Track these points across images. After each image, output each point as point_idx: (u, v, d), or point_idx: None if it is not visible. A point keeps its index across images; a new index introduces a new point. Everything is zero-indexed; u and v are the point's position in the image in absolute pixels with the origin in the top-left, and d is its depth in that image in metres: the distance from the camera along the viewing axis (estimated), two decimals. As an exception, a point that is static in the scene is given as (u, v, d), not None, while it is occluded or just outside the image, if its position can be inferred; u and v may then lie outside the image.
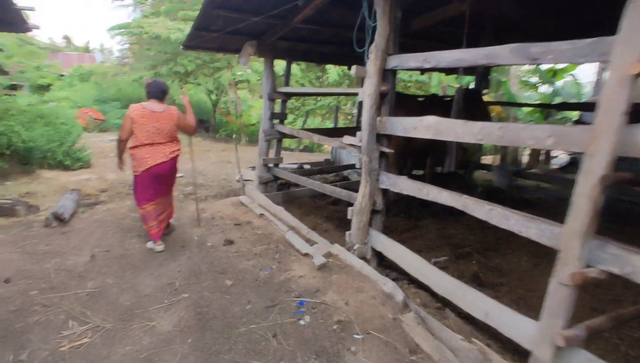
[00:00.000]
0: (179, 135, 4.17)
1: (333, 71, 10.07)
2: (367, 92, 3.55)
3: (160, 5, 10.50)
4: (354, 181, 6.97)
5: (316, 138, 4.86)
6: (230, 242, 4.33)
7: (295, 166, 7.53)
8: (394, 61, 3.39)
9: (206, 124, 18.63)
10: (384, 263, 4.01)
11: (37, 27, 5.50)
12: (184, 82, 10.40)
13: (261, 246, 4.26)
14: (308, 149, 14.87)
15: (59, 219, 4.69)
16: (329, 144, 4.57)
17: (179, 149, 4.10)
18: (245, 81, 10.86)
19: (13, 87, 18.61)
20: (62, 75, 20.38)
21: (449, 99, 5.86)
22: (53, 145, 8.41)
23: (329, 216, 5.59)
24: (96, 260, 3.87)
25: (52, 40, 36.70)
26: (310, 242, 4.25)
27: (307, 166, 7.64)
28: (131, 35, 9.91)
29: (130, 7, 11.27)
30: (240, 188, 6.43)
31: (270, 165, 6.24)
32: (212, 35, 5.01)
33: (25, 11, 4.86)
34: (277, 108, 6.18)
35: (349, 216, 3.96)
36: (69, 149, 8.74)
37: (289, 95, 6.23)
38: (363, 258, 3.84)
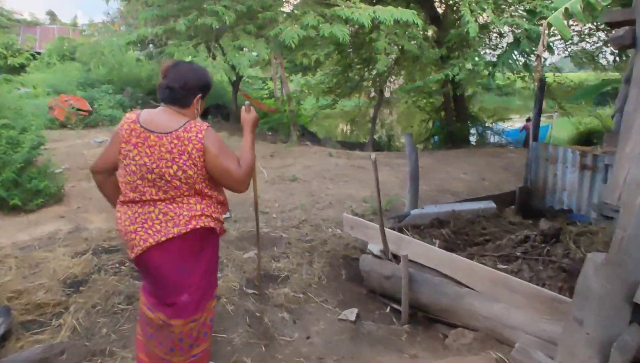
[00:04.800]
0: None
1: None
2: None
3: None
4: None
5: None
6: None
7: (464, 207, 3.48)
8: None
9: (224, 111, 14.64)
10: None
11: None
12: (213, 47, 6.25)
13: None
14: (378, 145, 10.76)
15: None
16: None
17: (209, 216, 1.76)
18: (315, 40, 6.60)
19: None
20: (38, 53, 16.13)
21: None
22: (-18, 172, 4.42)
23: None
24: None
25: (34, 16, 31.93)
26: None
27: (485, 206, 3.63)
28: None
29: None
30: (402, 282, 2.51)
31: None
32: None
33: None
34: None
35: None
36: (17, 176, 4.76)
37: None
38: None
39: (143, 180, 1.70)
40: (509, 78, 12.36)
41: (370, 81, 13.27)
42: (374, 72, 14.00)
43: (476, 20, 5.56)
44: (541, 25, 6.19)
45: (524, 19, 5.63)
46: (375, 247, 3.16)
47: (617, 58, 9.37)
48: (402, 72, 13.45)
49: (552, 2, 6.17)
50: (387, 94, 15.10)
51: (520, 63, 6.10)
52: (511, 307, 2.07)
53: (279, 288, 3.29)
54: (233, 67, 6.65)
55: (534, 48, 5.83)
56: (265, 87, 10.71)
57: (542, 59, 7.78)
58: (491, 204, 3.87)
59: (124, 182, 1.75)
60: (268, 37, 5.52)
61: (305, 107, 11.63)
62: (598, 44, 11.64)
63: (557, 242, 2.69)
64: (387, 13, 5.21)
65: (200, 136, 1.68)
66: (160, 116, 1.73)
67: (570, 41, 11.00)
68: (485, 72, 6.67)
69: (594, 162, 3.63)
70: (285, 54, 6.00)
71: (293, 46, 5.08)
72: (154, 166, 1.66)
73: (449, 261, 2.52)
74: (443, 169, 7.19)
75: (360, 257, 3.53)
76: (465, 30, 5.67)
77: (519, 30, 6.23)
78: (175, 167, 1.67)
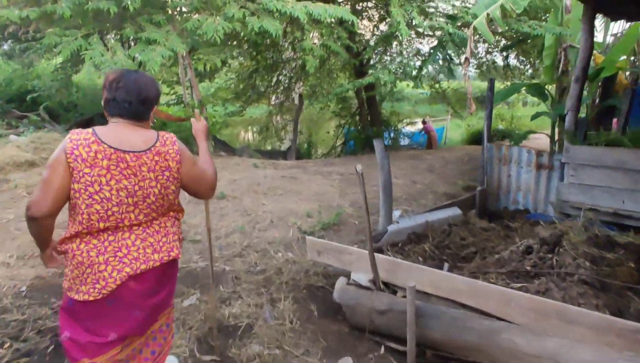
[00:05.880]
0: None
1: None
2: None
3: None
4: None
5: None
6: None
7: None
8: None
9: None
10: None
11: None
12: (112, 39, 4.94)
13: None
14: (298, 152, 10.21)
15: None
16: None
17: (180, 239, 1.75)
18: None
19: None
20: None
21: None
22: None
23: None
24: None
25: None
26: None
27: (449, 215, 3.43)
28: None
29: None
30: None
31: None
32: None
33: None
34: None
35: None
36: None
37: None
38: None
39: (121, 206, 1.53)
40: (408, 85, 13.06)
41: (272, 88, 12.82)
42: (281, 77, 13.58)
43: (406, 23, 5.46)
44: (463, 29, 6.48)
45: (447, 24, 5.73)
46: (362, 277, 2.62)
47: (506, 67, 10.45)
48: (310, 77, 13.25)
49: (470, 9, 6.49)
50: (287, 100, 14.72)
51: (445, 66, 6.25)
52: (572, 342, 1.74)
53: (244, 345, 2.54)
54: (140, 65, 5.56)
55: (461, 51, 5.97)
56: (172, 92, 9.38)
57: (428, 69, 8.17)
58: (458, 211, 3.66)
59: (90, 212, 1.49)
60: (183, 30, 4.61)
61: (213, 115, 10.58)
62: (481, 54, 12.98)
63: (559, 250, 2.51)
64: (321, 8, 4.77)
65: (175, 147, 1.63)
66: (125, 133, 1.55)
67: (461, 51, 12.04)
68: (403, 81, 6.71)
69: (550, 161, 3.67)
70: (204, 51, 5.11)
71: (218, 40, 4.29)
72: (137, 188, 1.54)
73: (470, 288, 2.12)
74: (374, 175, 7.00)
75: (339, 288, 2.96)
76: (395, 31, 5.54)
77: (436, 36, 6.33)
78: (159, 186, 1.59)
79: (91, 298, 1.50)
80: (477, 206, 3.91)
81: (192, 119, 2.07)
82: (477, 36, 5.43)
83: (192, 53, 6.66)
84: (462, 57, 5.41)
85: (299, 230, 4.53)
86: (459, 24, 5.96)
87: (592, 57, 7.04)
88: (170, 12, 5.09)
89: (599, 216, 3.22)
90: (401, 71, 6.33)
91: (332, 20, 5.07)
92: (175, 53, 4.57)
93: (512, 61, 12.21)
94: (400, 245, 3.11)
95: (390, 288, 2.58)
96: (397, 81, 6.66)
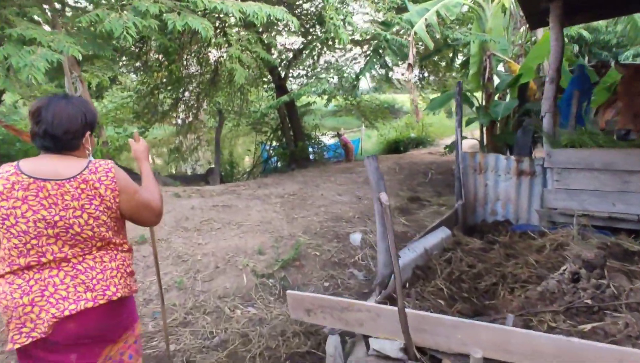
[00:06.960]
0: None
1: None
2: None
3: None
4: None
5: None
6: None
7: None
8: None
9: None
10: None
11: None
12: None
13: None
14: (224, 178, 9.02)
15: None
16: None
17: (126, 275, 1.56)
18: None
19: None
20: None
21: None
22: None
23: None
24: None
25: None
26: None
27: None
28: None
29: None
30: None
31: None
32: None
33: None
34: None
35: None
36: None
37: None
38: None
39: (40, 238, 1.43)
40: (317, 99, 12.79)
41: (178, 105, 11.58)
42: (187, 94, 12.29)
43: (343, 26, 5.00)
44: (398, 36, 6.27)
45: (382, 30, 5.43)
46: (387, 345, 1.93)
47: (421, 79, 10.79)
48: (219, 93, 12.18)
49: (403, 15, 6.33)
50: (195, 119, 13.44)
51: (382, 74, 5.96)
52: None
53: None
54: (8, 70, 4.04)
55: (399, 61, 5.71)
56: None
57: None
58: (448, 232, 3.20)
59: (10, 247, 1.42)
60: (74, 29, 3.45)
61: (117, 138, 8.97)
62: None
63: (609, 273, 2.15)
64: (255, 7, 4.03)
65: (111, 175, 1.51)
66: (52, 162, 1.47)
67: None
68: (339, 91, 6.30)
69: (532, 166, 3.45)
70: (110, 56, 3.96)
71: (130, 40, 3.25)
72: (57, 218, 1.43)
73: (560, 349, 1.54)
74: (316, 194, 6.38)
75: (332, 352, 2.23)
76: (329, 37, 5.04)
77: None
78: (85, 215, 1.47)
79: (17, 346, 1.40)
80: (460, 222, 3.52)
81: (131, 140, 1.92)
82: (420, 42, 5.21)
83: (81, 63, 5.30)
84: (405, 64, 5.17)
85: (253, 273, 3.66)
86: (394, 29, 5.73)
87: (508, 65, 7.50)
88: (49, 6, 3.86)
89: (590, 221, 3.04)
90: (337, 81, 5.88)
91: (265, 21, 4.34)
92: (78, 54, 3.39)
93: (424, 73, 12.70)
94: (407, 285, 2.50)
95: (427, 354, 1.93)
96: (336, 92, 6.21)
